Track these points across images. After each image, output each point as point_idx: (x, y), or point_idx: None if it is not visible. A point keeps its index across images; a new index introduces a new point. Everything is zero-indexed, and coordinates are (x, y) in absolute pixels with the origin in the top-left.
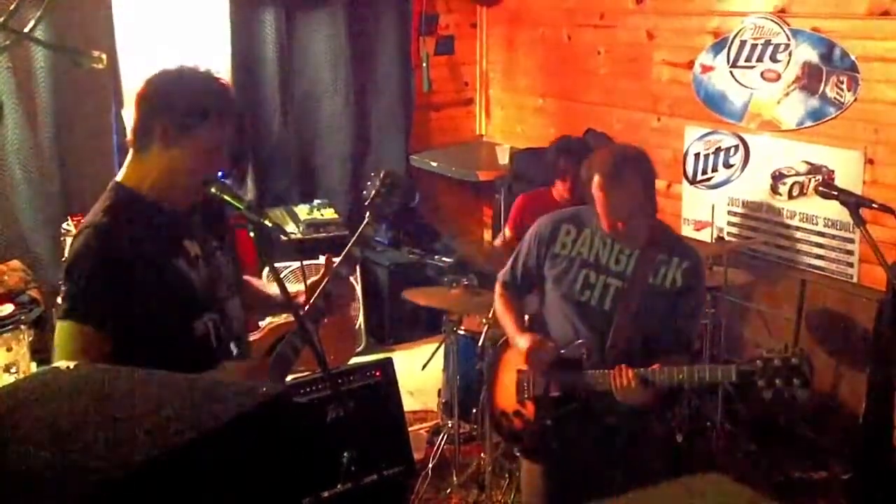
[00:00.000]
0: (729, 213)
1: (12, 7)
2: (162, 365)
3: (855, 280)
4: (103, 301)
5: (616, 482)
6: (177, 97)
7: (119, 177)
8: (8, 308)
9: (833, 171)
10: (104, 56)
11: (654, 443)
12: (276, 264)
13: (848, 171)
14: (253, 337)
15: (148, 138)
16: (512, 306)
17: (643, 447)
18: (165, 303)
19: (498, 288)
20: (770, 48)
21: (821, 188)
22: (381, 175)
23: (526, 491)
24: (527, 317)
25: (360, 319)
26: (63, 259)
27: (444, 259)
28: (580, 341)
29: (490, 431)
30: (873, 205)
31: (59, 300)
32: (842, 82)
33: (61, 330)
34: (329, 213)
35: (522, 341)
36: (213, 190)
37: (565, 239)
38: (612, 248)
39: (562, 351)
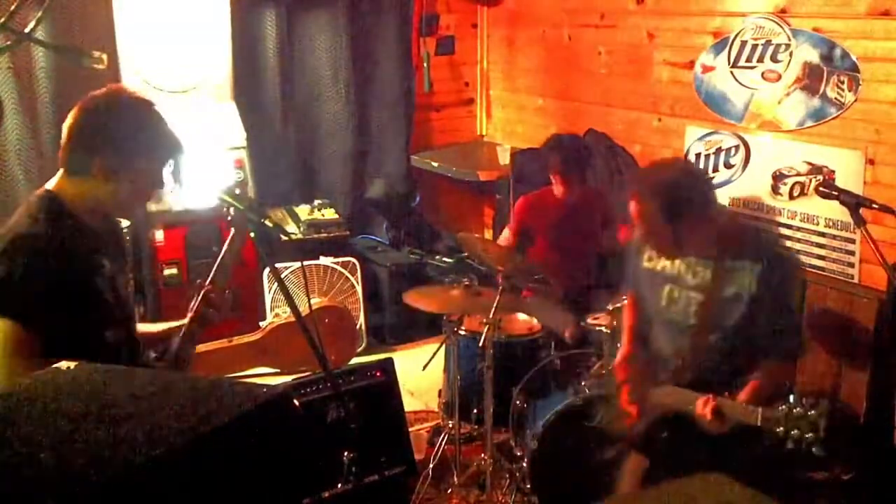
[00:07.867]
0: None
1: (13, 7)
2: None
3: (856, 280)
4: (28, 299)
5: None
6: (113, 133)
7: (51, 185)
8: None
9: (834, 172)
10: (104, 56)
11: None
12: (277, 265)
13: (849, 171)
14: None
15: (83, 166)
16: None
17: (748, 444)
18: (82, 313)
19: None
20: (771, 48)
21: (821, 188)
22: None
23: (628, 480)
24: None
25: (361, 319)
26: None
27: (444, 259)
28: (672, 358)
29: (490, 432)
30: (874, 205)
31: None
32: (842, 82)
33: None
34: (330, 214)
35: (618, 361)
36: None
37: (651, 251)
38: (687, 260)
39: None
